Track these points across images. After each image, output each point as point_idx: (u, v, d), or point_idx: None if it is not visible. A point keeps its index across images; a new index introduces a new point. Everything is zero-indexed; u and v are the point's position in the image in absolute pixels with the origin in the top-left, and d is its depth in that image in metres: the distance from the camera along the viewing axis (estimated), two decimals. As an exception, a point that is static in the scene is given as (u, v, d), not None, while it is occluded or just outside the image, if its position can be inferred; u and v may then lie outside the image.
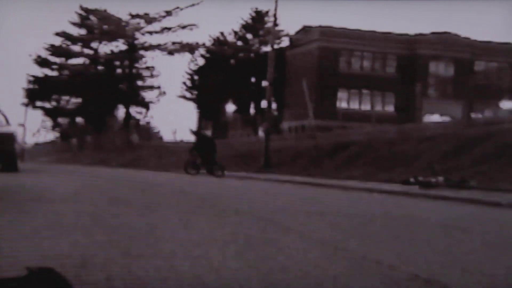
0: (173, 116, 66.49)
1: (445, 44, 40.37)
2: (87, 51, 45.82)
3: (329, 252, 3.39)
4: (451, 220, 6.58)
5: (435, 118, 37.92)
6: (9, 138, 12.20)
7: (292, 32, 43.63)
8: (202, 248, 3.21)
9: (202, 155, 19.02)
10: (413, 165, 16.65)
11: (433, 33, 41.05)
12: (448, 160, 15.74)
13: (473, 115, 37.05)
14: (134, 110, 46.44)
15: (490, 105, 39.11)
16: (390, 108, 41.19)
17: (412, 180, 12.70)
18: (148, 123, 48.31)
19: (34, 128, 48.27)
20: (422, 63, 40.69)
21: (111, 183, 10.66)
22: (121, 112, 47.20)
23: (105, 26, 44.48)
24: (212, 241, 3.56)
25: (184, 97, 46.98)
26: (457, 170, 14.00)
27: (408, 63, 40.57)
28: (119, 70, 46.34)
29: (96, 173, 16.97)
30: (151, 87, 46.73)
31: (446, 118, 36.02)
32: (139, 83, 46.89)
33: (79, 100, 45.97)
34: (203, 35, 75.05)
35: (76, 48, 45.66)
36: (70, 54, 45.45)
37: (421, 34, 41.17)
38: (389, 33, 41.21)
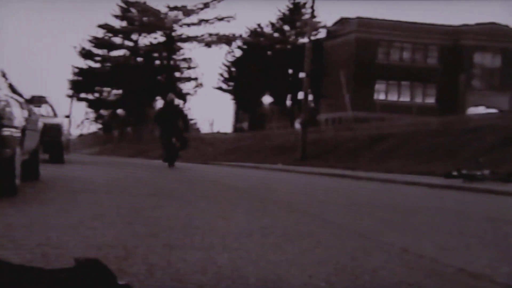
0: (210, 108, 67.13)
1: (492, 34, 39.18)
2: (127, 43, 46.60)
3: (368, 245, 3.35)
4: (498, 213, 6.40)
5: (480, 110, 36.90)
6: (56, 129, 12.44)
7: (329, 23, 43.23)
8: (240, 240, 3.22)
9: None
10: (456, 158, 16.26)
11: (478, 23, 39.91)
12: (494, 153, 15.30)
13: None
14: (172, 102, 46.94)
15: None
16: (431, 100, 40.35)
17: (455, 173, 12.29)
18: (186, 117, 48.76)
19: (78, 119, 49.41)
20: (466, 54, 39.64)
21: (150, 174, 10.83)
22: (159, 103, 47.84)
23: (145, 18, 45.10)
24: (250, 233, 3.58)
25: (221, 88, 47.22)
26: (504, 163, 13.57)
27: (451, 54, 39.62)
28: (157, 62, 46.93)
29: (136, 164, 17.26)
30: (188, 79, 47.16)
31: (492, 110, 34.97)
32: (177, 74, 47.38)
33: (120, 91, 46.84)
34: (240, 27, 75.12)
35: (117, 40, 46.50)
36: (112, 46, 46.30)
37: (465, 25, 40.09)
38: (430, 24, 40.31)
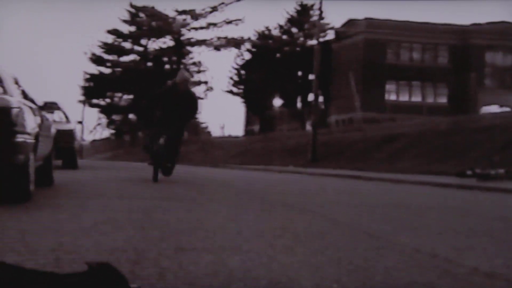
0: (220, 111, 67.22)
1: (503, 33, 38.96)
2: (137, 48, 46.89)
3: (380, 245, 3.33)
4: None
5: (493, 109, 36.70)
6: (69, 135, 12.60)
7: (337, 25, 43.19)
8: (251, 242, 3.23)
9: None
10: (469, 157, 16.14)
11: (488, 23, 39.71)
12: (507, 151, 15.16)
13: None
14: (182, 106, 47.00)
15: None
16: (442, 100, 40.17)
17: (468, 172, 12.17)
18: (195, 118, 48.92)
19: (91, 125, 49.95)
20: (477, 53, 39.45)
21: (161, 178, 10.85)
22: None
23: (153, 23, 45.35)
24: (261, 234, 3.58)
25: (231, 92, 47.31)
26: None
27: (461, 53, 39.42)
28: (167, 66, 47.14)
29: (147, 169, 17.28)
30: (198, 83, 47.31)
31: (505, 109, 34.77)
32: (187, 79, 47.51)
33: (131, 96, 47.12)
34: (249, 30, 75.34)
35: (127, 45, 46.80)
36: (121, 51, 46.62)
37: (475, 24, 39.89)
38: (440, 23, 40.13)
